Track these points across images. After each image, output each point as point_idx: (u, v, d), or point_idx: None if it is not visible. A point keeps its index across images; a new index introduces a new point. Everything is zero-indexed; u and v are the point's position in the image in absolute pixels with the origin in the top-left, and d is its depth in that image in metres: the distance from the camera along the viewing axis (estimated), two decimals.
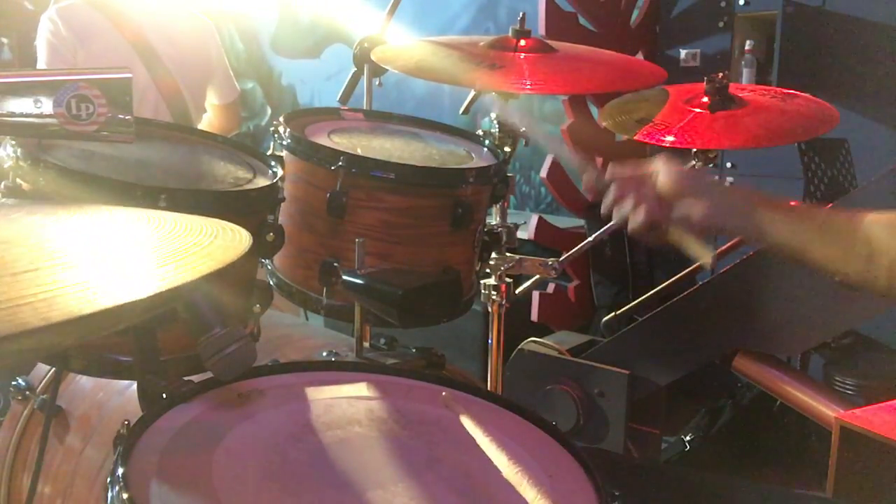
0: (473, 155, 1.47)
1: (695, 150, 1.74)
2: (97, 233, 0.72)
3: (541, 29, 3.01)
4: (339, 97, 1.82)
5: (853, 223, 0.96)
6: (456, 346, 2.60)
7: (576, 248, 2.13)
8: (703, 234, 1.02)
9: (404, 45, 1.68)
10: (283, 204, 1.21)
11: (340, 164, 1.25)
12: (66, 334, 0.51)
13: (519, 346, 2.18)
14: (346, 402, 0.98)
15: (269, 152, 1.32)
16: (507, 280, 1.65)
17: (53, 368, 1.41)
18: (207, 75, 2.50)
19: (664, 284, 2.33)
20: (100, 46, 2.26)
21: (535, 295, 3.17)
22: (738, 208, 1.00)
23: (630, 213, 1.04)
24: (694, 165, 1.80)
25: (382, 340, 1.49)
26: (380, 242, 1.28)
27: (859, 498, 1.57)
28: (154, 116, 2.31)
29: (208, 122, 2.60)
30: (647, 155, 3.52)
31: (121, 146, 1.10)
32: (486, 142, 1.54)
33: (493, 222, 1.58)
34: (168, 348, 1.05)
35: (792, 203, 1.01)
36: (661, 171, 1.04)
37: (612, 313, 2.40)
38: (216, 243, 0.70)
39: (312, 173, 1.30)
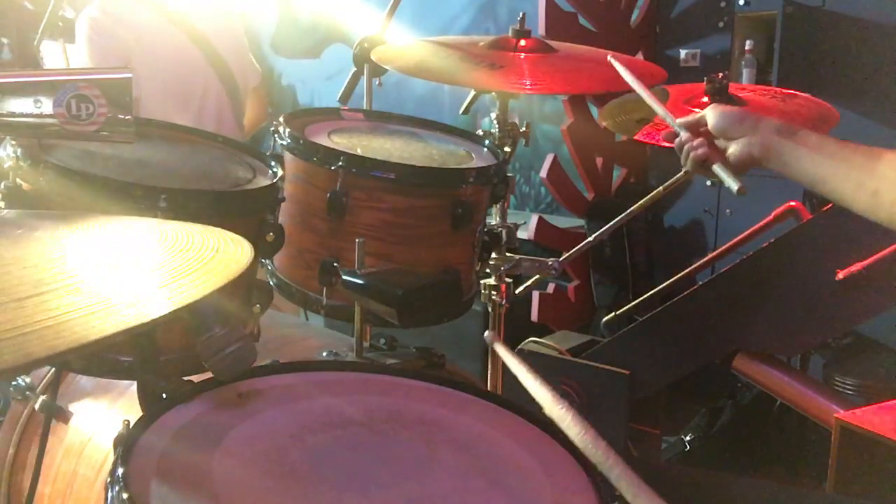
0: (473, 155, 1.47)
1: None
2: (100, 250, 0.71)
3: (541, 29, 3.01)
4: (339, 97, 1.82)
5: (869, 160, 1.08)
6: (456, 346, 2.60)
7: (576, 248, 2.13)
8: (742, 167, 1.18)
9: (404, 45, 1.68)
10: (283, 204, 1.21)
11: (340, 164, 1.25)
12: (70, 358, 0.51)
13: (519, 346, 2.18)
14: (346, 402, 0.98)
15: (268, 152, 1.32)
16: (507, 280, 1.65)
17: (53, 368, 1.41)
18: (244, 55, 2.43)
19: (664, 284, 2.33)
20: (155, 40, 2.17)
21: (535, 295, 3.17)
22: (769, 145, 1.15)
23: (687, 155, 1.22)
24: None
25: (382, 340, 1.49)
26: (380, 242, 1.28)
27: (859, 498, 1.57)
28: (217, 105, 2.26)
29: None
30: (647, 155, 3.53)
31: (121, 146, 1.10)
32: (486, 142, 1.54)
33: (493, 222, 1.58)
34: (168, 348, 1.05)
35: (817, 136, 1.14)
36: (709, 114, 1.21)
37: (612, 313, 2.40)
38: (218, 258, 0.70)
39: (312, 173, 1.30)
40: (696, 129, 1.23)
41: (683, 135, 1.22)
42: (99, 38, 2.14)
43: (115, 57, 2.14)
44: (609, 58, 1.42)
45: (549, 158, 3.17)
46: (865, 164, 1.08)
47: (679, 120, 1.25)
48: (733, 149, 1.18)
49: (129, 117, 1.02)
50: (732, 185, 1.16)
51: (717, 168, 1.19)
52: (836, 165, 1.10)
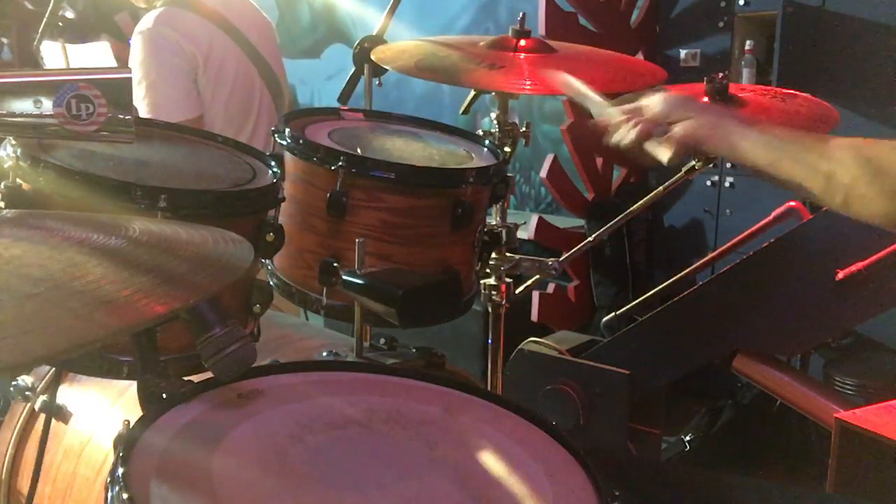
0: (473, 155, 1.47)
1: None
2: (100, 249, 0.71)
3: (541, 29, 3.01)
4: (338, 97, 1.82)
5: (820, 144, 1.05)
6: (456, 346, 2.60)
7: (576, 248, 2.13)
8: (684, 148, 1.15)
9: (404, 45, 1.68)
10: (283, 204, 1.21)
11: (340, 164, 1.25)
12: (67, 357, 0.51)
13: (519, 346, 2.18)
14: (346, 402, 0.98)
15: (268, 152, 1.32)
16: (507, 280, 1.64)
17: (53, 368, 1.41)
18: (281, 60, 2.38)
19: (664, 284, 2.33)
20: (221, 57, 2.07)
21: (535, 295, 3.17)
22: (716, 126, 1.12)
23: (626, 132, 1.18)
24: (694, 167, 1.80)
25: (382, 340, 1.49)
26: (380, 242, 1.28)
27: (859, 497, 1.57)
28: (268, 120, 2.19)
29: None
30: (647, 156, 3.53)
31: (121, 146, 1.10)
32: (486, 142, 1.54)
33: (493, 222, 1.58)
34: (168, 348, 1.05)
35: (766, 122, 1.13)
36: (655, 98, 1.18)
37: (612, 313, 2.40)
38: (219, 260, 0.70)
39: (312, 173, 1.30)
40: (638, 115, 1.19)
41: (622, 117, 1.19)
42: (168, 55, 2.00)
43: (184, 74, 2.01)
44: (548, 73, 1.41)
45: (549, 158, 3.17)
46: (816, 147, 1.04)
47: (623, 107, 1.21)
48: (678, 128, 1.13)
49: (129, 117, 1.02)
50: (663, 156, 1.14)
51: (649, 144, 1.15)
52: (787, 147, 1.06)
